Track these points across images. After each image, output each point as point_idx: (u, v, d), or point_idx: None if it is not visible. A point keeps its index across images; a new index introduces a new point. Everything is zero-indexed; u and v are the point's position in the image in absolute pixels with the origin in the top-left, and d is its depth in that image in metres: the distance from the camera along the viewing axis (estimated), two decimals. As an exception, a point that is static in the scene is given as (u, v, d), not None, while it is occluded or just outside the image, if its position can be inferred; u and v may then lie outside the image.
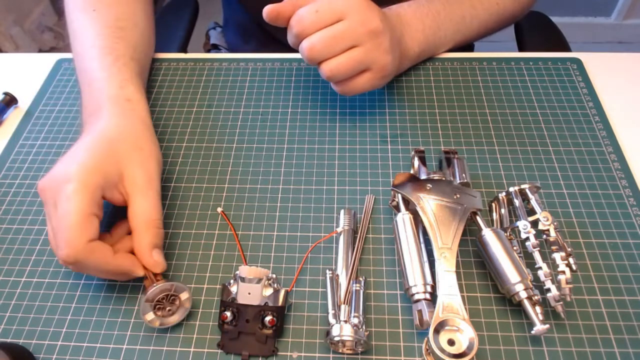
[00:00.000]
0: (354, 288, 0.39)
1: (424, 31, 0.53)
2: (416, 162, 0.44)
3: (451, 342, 0.34)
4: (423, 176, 0.42)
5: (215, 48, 0.88)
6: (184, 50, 0.79)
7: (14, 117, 0.55)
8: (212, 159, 0.50)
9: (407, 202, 0.41)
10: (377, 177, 0.47)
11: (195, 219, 0.45)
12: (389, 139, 0.50)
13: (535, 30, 0.79)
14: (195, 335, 0.39)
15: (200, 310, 0.40)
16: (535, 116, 0.51)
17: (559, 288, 0.37)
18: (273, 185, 0.47)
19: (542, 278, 0.37)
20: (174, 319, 0.38)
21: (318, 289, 0.41)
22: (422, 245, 0.40)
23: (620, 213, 0.44)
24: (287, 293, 0.38)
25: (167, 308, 0.38)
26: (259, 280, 0.38)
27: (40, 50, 1.67)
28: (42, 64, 0.60)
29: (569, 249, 0.38)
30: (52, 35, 1.72)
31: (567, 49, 0.73)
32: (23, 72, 0.60)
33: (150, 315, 0.37)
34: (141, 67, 0.51)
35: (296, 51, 0.46)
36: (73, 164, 0.38)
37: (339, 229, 0.43)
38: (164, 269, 0.40)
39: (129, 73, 0.47)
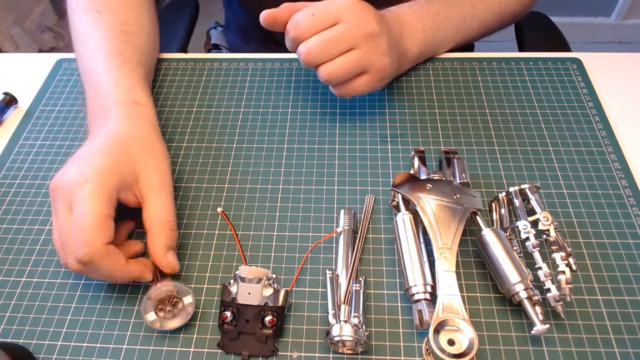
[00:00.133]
0: (354, 288, 0.39)
1: (424, 32, 0.53)
2: (416, 162, 0.44)
3: (451, 342, 0.34)
4: (423, 176, 0.42)
5: (216, 48, 0.88)
6: (184, 50, 0.79)
7: (14, 117, 0.55)
8: (212, 159, 0.50)
9: (407, 202, 0.41)
10: (377, 177, 0.47)
11: (195, 219, 0.45)
12: (389, 139, 0.50)
13: (535, 30, 0.79)
14: (195, 335, 0.39)
15: (200, 310, 0.40)
16: (535, 116, 0.51)
17: (559, 288, 0.37)
18: (273, 185, 0.47)
19: (542, 278, 0.37)
20: (175, 323, 0.38)
21: (318, 289, 0.41)
22: (422, 245, 0.40)
23: (620, 213, 0.44)
24: (287, 293, 0.38)
25: (168, 309, 0.38)
26: (259, 280, 0.38)
27: (40, 50, 1.67)
28: (42, 64, 0.60)
29: (569, 249, 0.38)
30: (52, 35, 1.72)
31: (567, 49, 0.73)
32: (23, 72, 0.60)
33: (151, 316, 0.37)
34: (147, 71, 0.51)
35: (295, 52, 0.47)
36: (89, 165, 0.38)
37: (339, 229, 0.43)
38: (177, 270, 0.40)
39: (136, 77, 0.47)
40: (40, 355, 0.38)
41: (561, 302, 0.37)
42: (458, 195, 0.40)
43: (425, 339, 0.35)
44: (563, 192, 0.45)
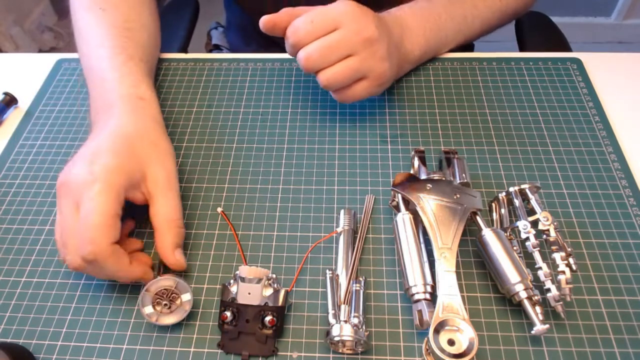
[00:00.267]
0: (354, 288, 0.39)
1: (425, 34, 0.53)
2: (416, 162, 0.44)
3: (451, 342, 0.34)
4: (423, 176, 0.42)
5: (217, 48, 0.88)
6: (185, 50, 0.79)
7: (14, 117, 0.55)
8: (212, 159, 0.50)
9: (407, 202, 0.41)
10: (377, 177, 0.47)
11: (195, 219, 0.45)
12: (389, 139, 0.50)
13: (535, 30, 0.79)
14: (195, 335, 0.39)
15: (200, 310, 0.40)
16: (535, 116, 0.51)
17: (559, 288, 0.37)
18: (273, 185, 0.47)
19: (542, 278, 0.37)
20: (172, 319, 0.38)
21: (318, 289, 0.41)
22: (422, 245, 0.40)
23: (620, 213, 0.44)
24: (287, 293, 0.38)
25: (165, 303, 0.38)
26: (259, 280, 0.38)
27: (40, 50, 1.67)
28: (42, 64, 0.60)
29: (569, 249, 0.38)
30: (52, 35, 1.72)
31: (567, 49, 0.73)
32: (23, 72, 0.60)
33: (149, 309, 0.37)
34: (149, 68, 0.51)
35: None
36: (97, 164, 0.38)
37: (339, 229, 0.43)
38: (184, 268, 0.41)
39: (140, 73, 0.48)
40: (40, 355, 0.38)
41: (561, 302, 0.37)
42: (458, 195, 0.40)
43: (425, 339, 0.35)
44: (563, 192, 0.45)
